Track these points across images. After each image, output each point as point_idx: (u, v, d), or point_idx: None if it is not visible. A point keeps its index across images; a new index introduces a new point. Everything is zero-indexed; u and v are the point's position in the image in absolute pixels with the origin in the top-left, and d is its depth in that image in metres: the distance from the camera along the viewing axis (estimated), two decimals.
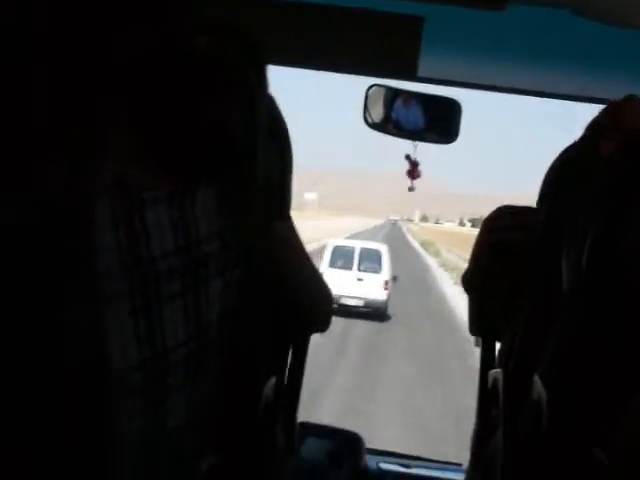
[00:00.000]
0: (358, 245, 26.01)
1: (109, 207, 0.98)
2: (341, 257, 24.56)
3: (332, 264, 24.07)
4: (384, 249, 25.83)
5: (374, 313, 23.45)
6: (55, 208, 0.93)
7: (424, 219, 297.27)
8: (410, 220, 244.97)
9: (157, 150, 1.03)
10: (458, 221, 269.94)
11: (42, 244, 0.92)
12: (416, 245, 75.60)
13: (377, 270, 24.36)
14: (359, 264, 24.45)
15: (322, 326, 1.97)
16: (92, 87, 0.97)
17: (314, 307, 1.92)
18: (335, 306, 18.78)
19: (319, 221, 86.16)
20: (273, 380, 1.88)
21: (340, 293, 22.18)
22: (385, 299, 23.90)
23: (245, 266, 1.15)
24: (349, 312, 22.26)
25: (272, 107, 1.82)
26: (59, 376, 0.95)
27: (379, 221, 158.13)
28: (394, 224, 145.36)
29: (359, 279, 23.86)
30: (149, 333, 1.02)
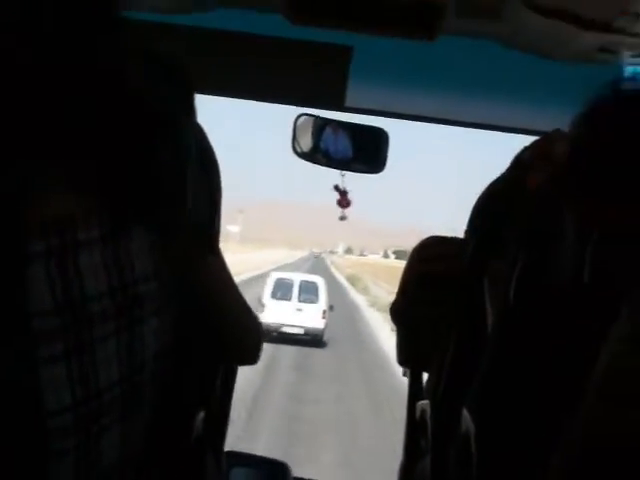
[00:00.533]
0: (297, 278, 28.46)
1: (43, 246, 0.97)
2: (282, 288, 26.71)
3: (273, 295, 26.30)
4: (321, 281, 28.25)
5: (312, 340, 25.14)
6: None
7: (348, 251, 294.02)
8: (333, 252, 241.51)
9: (91, 189, 1.02)
10: (382, 253, 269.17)
11: None
12: (342, 280, 70.52)
13: (314, 300, 26.45)
14: (299, 295, 26.59)
15: (251, 359, 1.95)
16: (28, 124, 0.95)
17: (244, 340, 1.90)
18: (275, 334, 23.37)
19: (243, 254, 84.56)
20: (202, 413, 1.87)
21: (281, 322, 24.56)
22: (323, 327, 25.61)
23: (179, 303, 1.15)
24: (289, 340, 24.16)
25: (201, 137, 1.80)
26: None
27: (303, 253, 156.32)
28: (317, 257, 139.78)
29: (298, 309, 25.78)
30: (82, 375, 1.01)
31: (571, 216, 1.67)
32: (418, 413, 2.44)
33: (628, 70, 2.41)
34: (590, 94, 1.72)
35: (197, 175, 1.43)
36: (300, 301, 26.41)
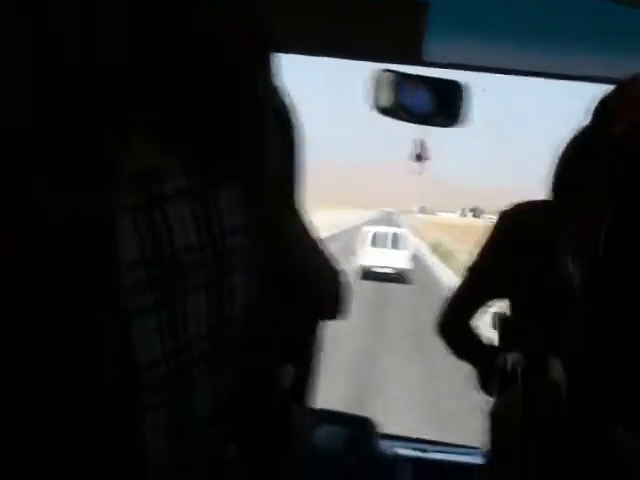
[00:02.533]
0: (390, 230, 36.46)
1: (132, 199, 0.98)
2: (378, 239, 34.58)
3: (372, 244, 33.99)
4: (407, 232, 37.63)
5: (401, 278, 32.50)
6: (78, 202, 0.93)
7: (423, 210, 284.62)
8: (409, 211, 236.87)
9: (178, 143, 1.03)
10: (460, 212, 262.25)
11: (67, 241, 0.92)
12: (427, 256, 50.66)
13: (402, 247, 33.91)
14: (392, 243, 34.18)
15: (333, 313, 1.95)
16: (110, 79, 0.96)
17: (328, 293, 1.91)
18: (373, 274, 31.73)
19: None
20: (292, 370, 1.88)
21: (378, 264, 32.73)
22: (410, 268, 33.40)
23: (268, 261, 1.15)
24: (385, 278, 31.98)
25: (280, 97, 1.81)
26: (86, 372, 0.95)
27: (372, 214, 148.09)
28: (389, 216, 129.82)
29: (388, 253, 33.40)
30: (171, 327, 1.02)
31: None
32: (509, 364, 2.43)
33: None
34: None
35: (279, 134, 1.44)
36: (392, 248, 33.70)
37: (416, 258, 38.82)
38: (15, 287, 0.89)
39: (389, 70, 2.79)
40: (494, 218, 2.69)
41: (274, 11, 2.56)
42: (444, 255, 48.52)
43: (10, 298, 0.89)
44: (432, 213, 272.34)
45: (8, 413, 0.91)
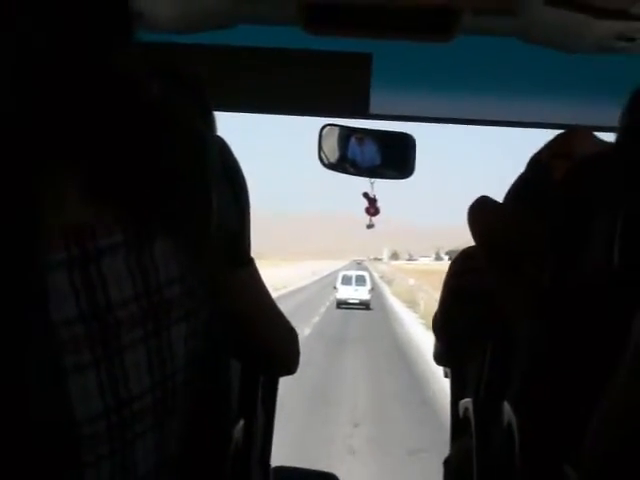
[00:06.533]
0: (354, 273, 51.58)
1: (64, 255, 0.98)
2: (346, 279, 48.66)
3: (342, 283, 48.08)
4: (367, 274, 52.12)
5: (364, 306, 45.75)
6: (9, 256, 0.93)
7: (394, 256, 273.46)
8: (378, 259, 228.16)
9: (111, 196, 1.03)
10: (434, 255, 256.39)
11: None
12: (395, 304, 51.94)
13: (364, 285, 48.03)
14: (355, 282, 48.07)
15: (290, 367, 1.95)
16: (45, 134, 0.97)
17: (281, 349, 1.91)
18: (344, 305, 45.32)
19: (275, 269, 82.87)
20: (241, 423, 1.88)
21: (346, 297, 46.38)
22: (369, 298, 46.88)
23: (210, 311, 1.15)
24: (351, 307, 44.83)
25: (226, 152, 1.82)
26: (24, 429, 0.94)
27: (344, 263, 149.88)
28: (359, 264, 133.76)
29: (355, 289, 47.42)
30: (112, 383, 1.01)
31: (599, 207, 1.68)
32: (462, 411, 2.45)
33: None
34: (610, 85, 1.73)
35: (223, 186, 1.45)
36: (356, 285, 47.70)
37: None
38: None
39: (334, 125, 2.82)
40: None
41: (218, 69, 2.59)
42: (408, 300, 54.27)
43: None
44: (410, 259, 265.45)
45: None
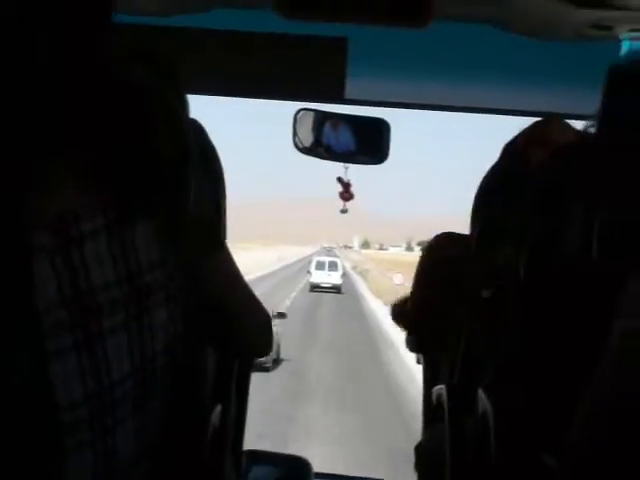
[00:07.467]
0: (327, 259, 57.41)
1: (48, 240, 0.97)
2: (319, 264, 54.50)
3: (316, 268, 53.53)
4: (339, 260, 58.02)
5: (335, 290, 50.87)
6: None
7: (365, 245, 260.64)
8: (349, 247, 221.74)
9: (94, 178, 1.03)
10: (405, 245, 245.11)
11: None
12: (368, 296, 50.23)
13: (336, 270, 53.45)
14: (328, 267, 53.55)
15: (263, 351, 1.95)
16: (28, 121, 0.96)
17: (254, 333, 1.91)
18: (318, 288, 51.37)
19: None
20: (219, 408, 1.87)
21: (320, 281, 51.85)
22: (341, 283, 52.96)
23: (188, 296, 1.15)
24: (324, 291, 49.20)
25: (202, 136, 1.81)
26: (6, 415, 0.94)
27: (314, 249, 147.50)
28: (329, 251, 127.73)
29: (328, 274, 52.67)
30: (93, 368, 1.01)
31: (578, 195, 1.68)
32: (435, 398, 2.44)
33: (625, 45, 2.41)
34: (587, 73, 1.73)
35: (199, 170, 1.44)
36: (329, 270, 53.03)
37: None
38: None
39: (309, 109, 2.81)
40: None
41: (194, 52, 2.58)
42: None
43: None
44: (381, 248, 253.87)
45: None
